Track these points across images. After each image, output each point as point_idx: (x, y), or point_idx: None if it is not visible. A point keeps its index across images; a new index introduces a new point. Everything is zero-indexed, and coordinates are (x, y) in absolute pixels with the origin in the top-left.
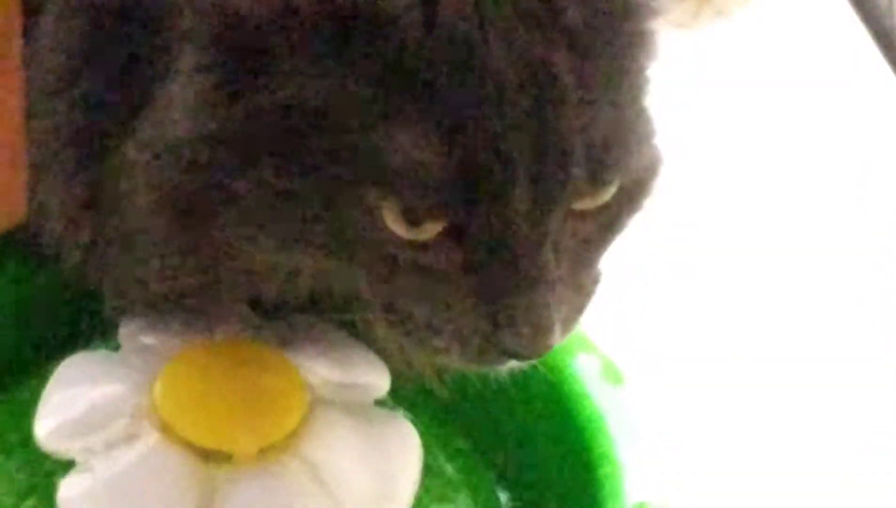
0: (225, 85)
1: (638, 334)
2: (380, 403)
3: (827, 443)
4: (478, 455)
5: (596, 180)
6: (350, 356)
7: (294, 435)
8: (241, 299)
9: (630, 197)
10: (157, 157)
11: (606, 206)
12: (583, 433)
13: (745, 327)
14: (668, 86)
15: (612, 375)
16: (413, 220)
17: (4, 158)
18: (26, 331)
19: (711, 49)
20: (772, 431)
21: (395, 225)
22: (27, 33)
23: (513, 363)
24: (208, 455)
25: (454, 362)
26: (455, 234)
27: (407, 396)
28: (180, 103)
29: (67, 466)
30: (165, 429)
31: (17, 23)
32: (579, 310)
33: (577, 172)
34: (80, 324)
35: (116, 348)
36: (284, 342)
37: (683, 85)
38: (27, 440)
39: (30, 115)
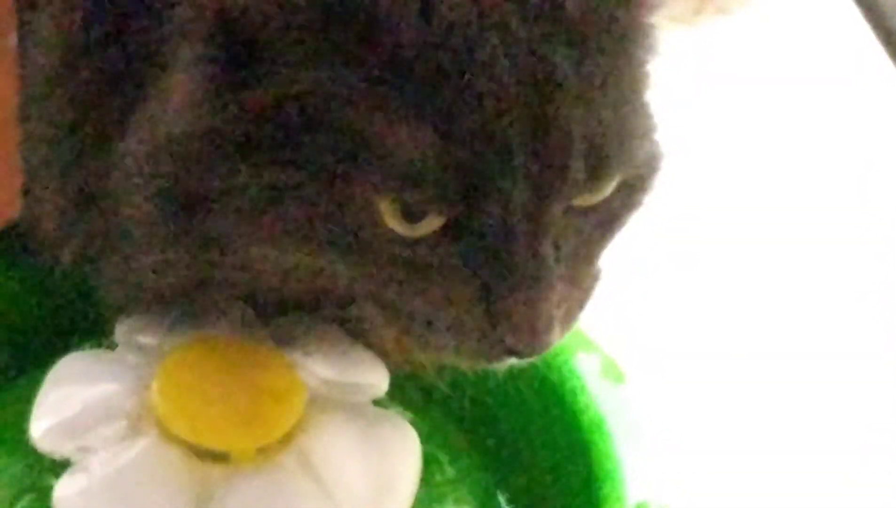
0: (221, 79)
1: (639, 332)
2: (379, 403)
3: (830, 442)
4: (477, 455)
5: (595, 176)
6: (348, 356)
7: (292, 435)
8: (238, 296)
9: (630, 192)
10: (153, 153)
11: (606, 201)
12: (583, 432)
13: (747, 324)
14: (671, 83)
15: (613, 373)
16: (411, 216)
17: None
18: (21, 330)
19: (713, 47)
20: (774, 429)
21: (393, 221)
22: (20, 30)
23: (512, 362)
24: (205, 455)
25: (452, 360)
26: (453, 230)
27: (406, 396)
28: (176, 98)
29: (63, 465)
30: (162, 428)
31: (11, 20)
32: (579, 307)
33: (577, 167)
34: (76, 323)
35: (113, 346)
36: (282, 341)
37: (685, 82)
38: (22, 439)
39: (24, 112)
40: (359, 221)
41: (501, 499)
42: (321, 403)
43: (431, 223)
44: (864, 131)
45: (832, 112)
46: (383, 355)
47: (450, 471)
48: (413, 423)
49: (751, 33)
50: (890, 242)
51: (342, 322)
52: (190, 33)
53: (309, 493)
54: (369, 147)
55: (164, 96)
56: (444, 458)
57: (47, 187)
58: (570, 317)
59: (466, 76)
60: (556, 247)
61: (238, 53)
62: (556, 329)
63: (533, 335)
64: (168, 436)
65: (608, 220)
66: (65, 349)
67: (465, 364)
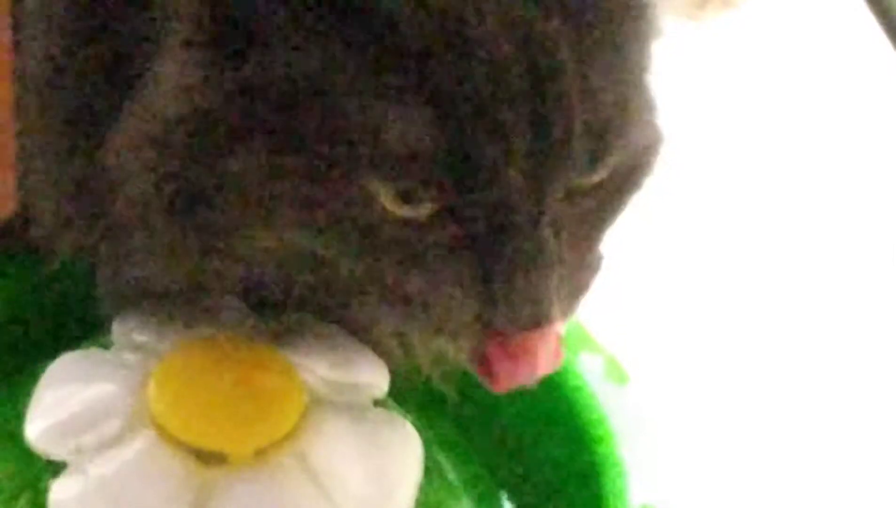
0: (212, 61)
1: (642, 332)
2: (379, 403)
3: (837, 442)
4: (479, 456)
5: (595, 157)
6: (349, 355)
7: (291, 436)
8: (236, 291)
9: (630, 174)
10: (147, 139)
11: (605, 183)
12: (586, 433)
13: (751, 325)
14: (677, 77)
15: (616, 374)
16: (408, 198)
17: None
18: (17, 329)
19: (718, 41)
20: (779, 431)
21: (390, 203)
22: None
23: None
24: (203, 457)
25: (451, 346)
26: (452, 211)
27: (407, 396)
28: (170, 82)
29: (59, 467)
30: (159, 429)
31: (4, 16)
32: (580, 291)
33: (577, 147)
34: (73, 322)
35: (109, 346)
36: (282, 341)
37: (691, 76)
38: (18, 439)
39: (19, 104)
40: (355, 203)
41: (503, 501)
42: (321, 403)
43: (428, 205)
44: (869, 123)
45: (838, 105)
46: (384, 354)
47: (451, 473)
48: (414, 424)
49: (756, 27)
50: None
51: (342, 321)
52: (182, 14)
53: (308, 495)
54: (364, 129)
55: (157, 82)
56: (445, 460)
57: (43, 179)
58: (570, 300)
59: (461, 56)
60: (556, 228)
61: (228, 35)
62: (556, 311)
63: (531, 316)
64: (165, 437)
65: (608, 200)
66: (61, 349)
67: (463, 352)
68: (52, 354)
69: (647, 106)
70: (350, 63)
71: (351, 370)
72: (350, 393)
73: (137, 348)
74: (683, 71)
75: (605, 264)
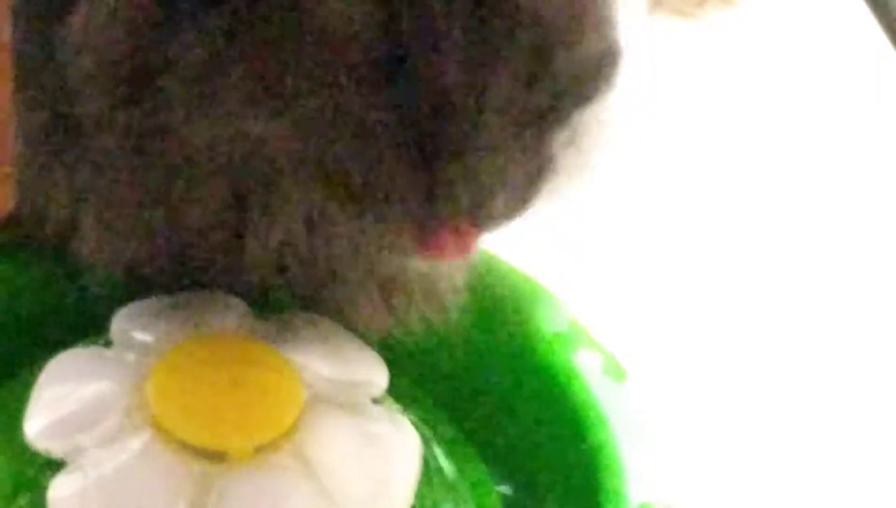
0: None
1: (640, 330)
2: (379, 402)
3: (837, 441)
4: (478, 453)
5: (541, 55)
6: (348, 353)
7: (290, 434)
8: (214, 220)
9: (587, 77)
10: (100, 24)
11: (556, 87)
12: (584, 431)
13: (750, 322)
14: (676, 76)
15: (615, 371)
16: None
17: None
18: (14, 327)
19: (718, 39)
20: (781, 429)
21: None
22: None
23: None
24: (202, 454)
25: (394, 241)
26: (396, 95)
27: (406, 394)
28: None
29: (58, 465)
30: (158, 427)
31: (4, 14)
32: (529, 193)
33: (519, 38)
34: (71, 320)
35: (108, 344)
36: (281, 339)
37: (690, 76)
38: (16, 437)
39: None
40: (300, 67)
41: (501, 499)
42: (320, 402)
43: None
44: (869, 123)
45: (837, 105)
46: (368, 323)
47: (449, 471)
48: (414, 423)
49: (756, 26)
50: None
51: (322, 302)
52: None
53: (307, 493)
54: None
55: None
56: (445, 459)
57: (27, 151)
58: (518, 198)
59: None
60: (502, 116)
61: None
62: (500, 203)
63: (472, 205)
64: (164, 436)
65: (557, 107)
66: (59, 346)
67: (406, 249)
68: (52, 351)
69: (605, 11)
70: None
71: (350, 368)
72: (349, 392)
73: (136, 346)
74: (682, 69)
75: (604, 263)
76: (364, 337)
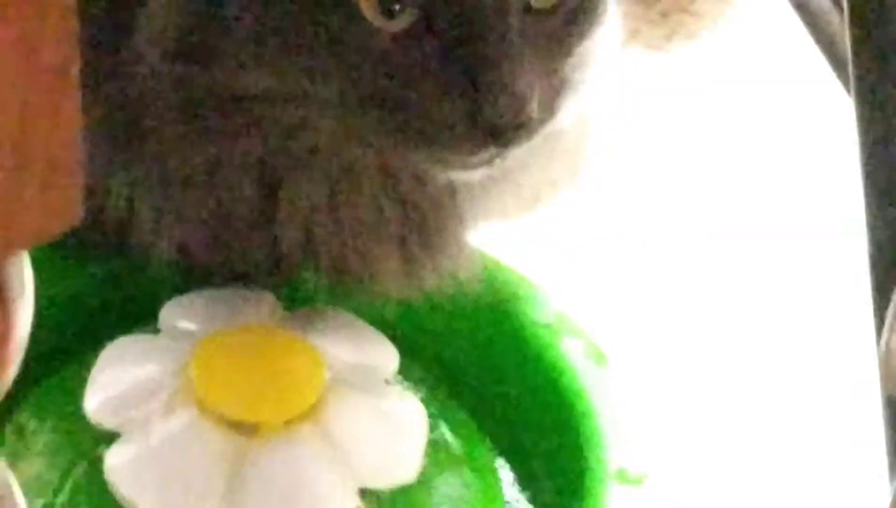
0: None
1: (621, 319)
2: (390, 382)
3: (800, 417)
4: (478, 428)
5: None
6: (363, 341)
7: (314, 410)
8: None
9: (581, 13)
10: (161, 19)
11: (563, 5)
12: (569, 408)
13: (722, 316)
14: (647, 105)
15: (596, 356)
16: (387, 9)
17: (64, 160)
18: (73, 318)
19: (685, 70)
20: (749, 409)
21: (372, 14)
22: None
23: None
24: (238, 427)
25: (445, 164)
26: (428, 25)
27: (417, 376)
28: None
29: (112, 437)
30: (199, 404)
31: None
32: (557, 98)
33: None
34: (125, 311)
35: (156, 332)
36: (305, 329)
37: (661, 105)
38: (74, 413)
39: None
40: (343, 21)
41: (499, 468)
42: (340, 383)
43: (406, 17)
44: (814, 140)
45: (783, 122)
46: (387, 283)
47: (453, 443)
48: (422, 401)
49: (717, 57)
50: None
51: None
52: None
53: (328, 461)
54: None
55: None
56: (449, 433)
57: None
58: (549, 103)
59: None
60: (524, 36)
61: None
62: (534, 104)
63: (511, 106)
64: (205, 411)
65: (572, 20)
66: (114, 335)
67: (455, 160)
68: (108, 339)
69: None
70: None
71: (366, 354)
72: (365, 374)
73: (181, 333)
74: (653, 94)
75: (588, 265)
76: (378, 326)
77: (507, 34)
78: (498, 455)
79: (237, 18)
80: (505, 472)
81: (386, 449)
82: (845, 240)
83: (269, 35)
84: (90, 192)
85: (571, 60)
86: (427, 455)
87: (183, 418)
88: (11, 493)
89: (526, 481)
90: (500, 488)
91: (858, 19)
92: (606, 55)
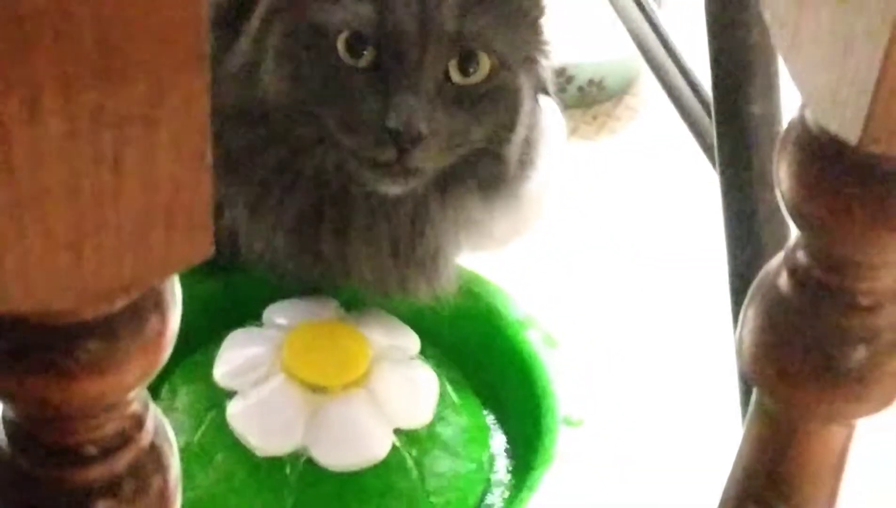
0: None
1: (569, 312)
2: (413, 358)
3: (687, 380)
4: (471, 387)
5: (468, 56)
6: (395, 330)
7: (363, 376)
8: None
9: (498, 85)
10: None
11: (476, 87)
12: (532, 374)
13: (636, 314)
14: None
15: (549, 341)
16: (354, 52)
17: (203, 214)
18: (204, 316)
19: (609, 158)
20: (654, 376)
21: (345, 53)
22: None
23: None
24: (313, 388)
25: (364, 155)
26: (376, 61)
27: (431, 354)
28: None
29: (231, 394)
30: (287, 372)
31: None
32: (458, 147)
33: (448, 25)
34: (240, 310)
35: (259, 325)
36: (357, 322)
37: (590, 187)
38: (208, 378)
39: None
40: (329, 49)
41: (485, 415)
42: (379, 358)
43: (367, 57)
44: (695, 209)
45: (678, 197)
46: (385, 289)
47: (454, 398)
48: (435, 371)
49: (632, 146)
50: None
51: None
52: None
53: (373, 410)
54: (336, 13)
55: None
56: (451, 390)
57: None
58: (441, 144)
59: None
60: (437, 91)
61: None
62: (424, 128)
63: (408, 122)
64: (290, 377)
65: (477, 102)
66: (232, 327)
67: (373, 172)
68: (227, 331)
69: (529, 37)
70: None
71: (397, 339)
72: (396, 352)
73: (276, 327)
74: (587, 174)
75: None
76: (404, 320)
77: (420, 80)
78: (484, 406)
79: (275, 44)
80: (489, 418)
81: (411, 401)
82: (716, 268)
83: (290, 66)
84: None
85: (481, 129)
86: (437, 404)
87: (276, 382)
88: (166, 431)
89: (502, 423)
90: (487, 427)
91: (721, 116)
92: (557, 143)
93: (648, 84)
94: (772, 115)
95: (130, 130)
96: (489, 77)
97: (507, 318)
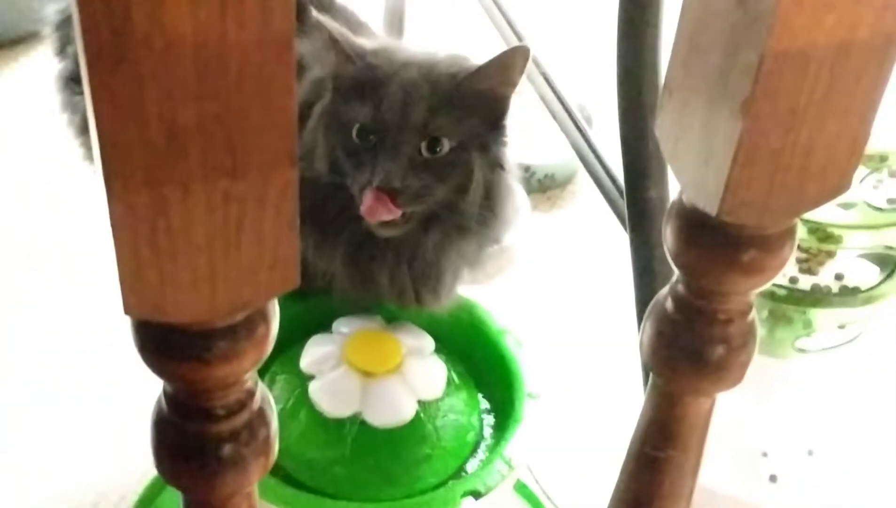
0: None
1: (533, 320)
2: (429, 355)
3: (612, 366)
4: (468, 374)
5: (433, 137)
6: (418, 335)
7: (398, 366)
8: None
9: (455, 160)
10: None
11: (439, 159)
12: (508, 364)
13: (584, 319)
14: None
15: (519, 343)
16: (363, 138)
17: (292, 255)
18: (292, 326)
19: (559, 225)
20: (596, 359)
21: (357, 138)
22: None
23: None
24: (364, 374)
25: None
26: (373, 144)
27: (439, 351)
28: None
29: (312, 377)
30: (349, 363)
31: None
32: (419, 197)
33: (420, 120)
34: (318, 323)
35: (331, 332)
36: (395, 330)
37: (541, 237)
38: (294, 368)
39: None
40: (348, 135)
41: (477, 392)
42: (408, 354)
43: (370, 141)
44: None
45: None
46: (404, 301)
47: (457, 380)
48: (444, 360)
49: (578, 217)
50: None
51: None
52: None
53: (404, 388)
54: (351, 111)
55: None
56: (454, 375)
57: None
58: (412, 198)
59: (382, 96)
60: (410, 159)
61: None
62: (398, 182)
63: (386, 177)
64: (351, 366)
65: (440, 169)
66: (312, 334)
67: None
68: (309, 336)
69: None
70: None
71: (419, 341)
72: (419, 350)
73: (342, 334)
74: (539, 236)
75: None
76: (423, 328)
77: (398, 155)
78: (476, 386)
79: (322, 141)
80: (479, 394)
81: (427, 381)
82: (627, 298)
83: (329, 147)
84: None
85: (444, 187)
86: (445, 385)
87: (341, 369)
88: (269, 400)
89: (487, 397)
90: (477, 400)
91: (630, 198)
92: (523, 212)
93: (584, 177)
94: (663, 198)
95: (247, 206)
96: (449, 154)
97: (491, 328)
